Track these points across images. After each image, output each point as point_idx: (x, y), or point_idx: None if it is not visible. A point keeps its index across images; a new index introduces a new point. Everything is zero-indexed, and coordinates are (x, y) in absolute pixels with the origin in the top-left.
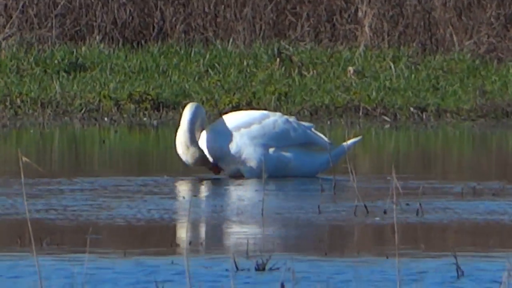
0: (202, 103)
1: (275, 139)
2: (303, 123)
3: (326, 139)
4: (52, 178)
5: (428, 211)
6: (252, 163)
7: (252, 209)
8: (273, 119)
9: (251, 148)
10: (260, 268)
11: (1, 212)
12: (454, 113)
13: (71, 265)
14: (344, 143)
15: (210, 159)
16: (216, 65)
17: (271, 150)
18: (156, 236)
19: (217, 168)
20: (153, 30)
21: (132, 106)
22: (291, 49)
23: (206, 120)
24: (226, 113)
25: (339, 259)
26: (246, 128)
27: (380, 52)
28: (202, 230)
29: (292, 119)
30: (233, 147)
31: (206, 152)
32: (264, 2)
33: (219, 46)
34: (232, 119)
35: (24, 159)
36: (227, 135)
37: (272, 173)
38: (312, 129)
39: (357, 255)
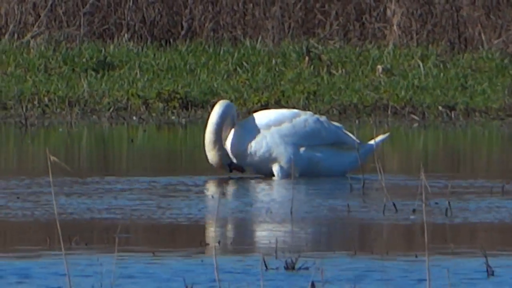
0: (231, 102)
1: (305, 138)
2: (334, 123)
3: (355, 138)
4: (80, 177)
5: (457, 210)
6: (282, 162)
7: (281, 208)
8: (304, 117)
9: (282, 147)
10: (289, 267)
11: (30, 211)
12: (482, 112)
13: (100, 264)
14: (372, 141)
15: (234, 160)
16: (245, 63)
17: (301, 149)
18: (185, 236)
19: (240, 168)
20: (182, 28)
21: (161, 105)
22: (320, 47)
23: (236, 118)
24: (255, 111)
25: (368, 258)
26: (276, 126)
27: (408, 51)
28: (231, 229)
29: (322, 118)
30: (263, 145)
31: (231, 150)
32: (293, 0)
33: (248, 45)
34: (262, 117)
35: (52, 158)
36: (257, 133)
37: (302, 172)
38: (342, 129)
39: (386, 254)
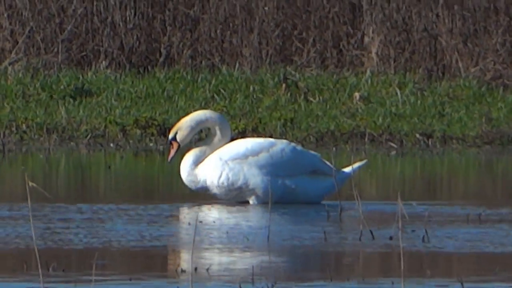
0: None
1: (283, 168)
2: (310, 151)
3: (332, 166)
4: (58, 203)
5: (434, 237)
6: (259, 191)
7: (258, 235)
8: (281, 147)
9: (259, 178)
10: None
11: (7, 237)
12: (460, 140)
13: None
14: (349, 168)
15: (205, 186)
16: (222, 90)
17: (278, 178)
18: (162, 262)
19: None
20: (160, 55)
21: (138, 132)
22: (297, 75)
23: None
24: (233, 138)
25: (344, 285)
26: (254, 156)
27: (386, 78)
28: (208, 256)
29: (298, 147)
30: (240, 177)
31: (207, 179)
32: (271, 28)
33: (225, 72)
34: (239, 147)
35: (31, 183)
36: (235, 164)
37: (279, 199)
38: (319, 157)
39: (362, 281)
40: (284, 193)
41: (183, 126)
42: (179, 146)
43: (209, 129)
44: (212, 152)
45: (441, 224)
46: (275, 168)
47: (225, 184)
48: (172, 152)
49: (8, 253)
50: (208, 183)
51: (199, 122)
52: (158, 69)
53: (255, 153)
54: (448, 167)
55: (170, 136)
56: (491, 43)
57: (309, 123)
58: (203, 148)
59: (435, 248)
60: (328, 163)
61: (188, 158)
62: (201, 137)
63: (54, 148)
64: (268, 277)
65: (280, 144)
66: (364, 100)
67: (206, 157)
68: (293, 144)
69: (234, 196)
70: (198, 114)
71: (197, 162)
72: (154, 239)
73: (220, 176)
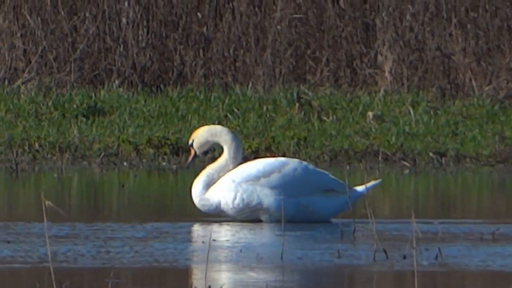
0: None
1: (295, 188)
2: (320, 170)
3: (345, 184)
4: (71, 222)
5: (447, 256)
6: (273, 211)
7: (271, 254)
8: (293, 166)
9: (272, 198)
10: None
11: (21, 255)
12: (473, 159)
13: None
14: (363, 186)
15: (218, 208)
16: (236, 109)
17: (291, 197)
18: (175, 281)
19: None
20: (173, 74)
21: (151, 151)
22: (310, 94)
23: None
24: (246, 158)
25: None
26: (266, 177)
27: (399, 97)
28: (222, 275)
29: (311, 166)
30: (254, 198)
31: (221, 201)
32: (284, 47)
33: (239, 91)
34: (251, 169)
35: (48, 202)
36: (247, 186)
37: (292, 218)
38: (330, 175)
39: None
40: (297, 212)
41: (199, 135)
42: (195, 153)
43: (221, 148)
44: (223, 174)
45: (455, 242)
46: (287, 188)
47: (240, 205)
48: (189, 158)
49: (22, 271)
50: (222, 205)
51: (214, 135)
52: (171, 88)
53: (267, 174)
54: (462, 186)
55: (189, 142)
56: (504, 61)
57: (322, 142)
58: (210, 171)
59: (448, 267)
60: (340, 181)
61: (198, 183)
62: (215, 156)
63: (67, 167)
64: None
65: (292, 164)
66: (377, 119)
67: (217, 180)
68: (305, 163)
69: (248, 216)
70: (215, 127)
71: (207, 186)
72: (168, 257)
73: (235, 198)
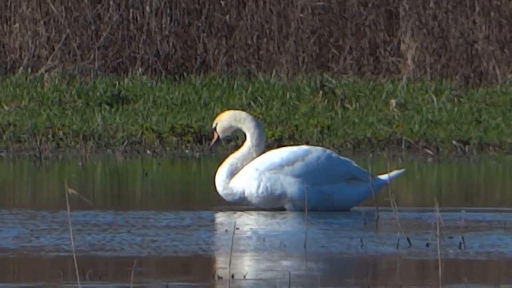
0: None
1: (319, 176)
2: (342, 157)
3: (368, 172)
4: (95, 210)
5: (471, 244)
6: (297, 199)
7: (295, 242)
8: (316, 155)
9: (296, 187)
10: None
11: (45, 244)
12: (496, 146)
13: None
14: (386, 175)
15: (242, 197)
16: (259, 97)
17: (315, 185)
18: (199, 269)
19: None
20: (196, 62)
21: (175, 139)
22: (334, 81)
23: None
24: (269, 146)
25: None
26: (289, 166)
27: (422, 85)
28: (245, 263)
29: (334, 154)
30: (278, 187)
31: (245, 190)
32: (307, 35)
33: (262, 79)
34: (274, 157)
35: (71, 191)
36: (271, 174)
37: (315, 207)
38: (353, 163)
39: None
40: (321, 200)
41: (223, 119)
42: (218, 137)
43: (244, 135)
44: (246, 162)
45: (478, 231)
46: (311, 176)
47: (265, 194)
48: (212, 141)
49: (45, 260)
50: (246, 194)
51: (237, 120)
52: (194, 76)
53: (290, 162)
54: (485, 174)
55: (213, 125)
56: None
57: (345, 130)
58: (234, 160)
59: (472, 255)
60: (363, 169)
61: (222, 172)
62: (238, 144)
63: (90, 155)
64: (305, 284)
65: (315, 152)
66: (400, 107)
67: (240, 169)
68: (328, 151)
69: (271, 204)
70: (240, 113)
71: (231, 175)
72: (191, 246)
73: (259, 187)
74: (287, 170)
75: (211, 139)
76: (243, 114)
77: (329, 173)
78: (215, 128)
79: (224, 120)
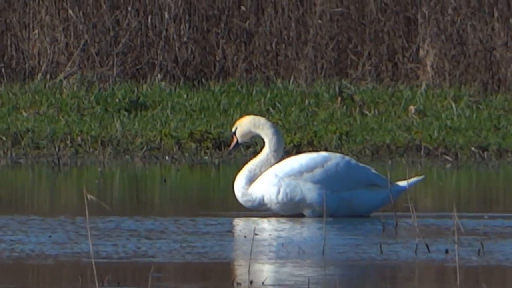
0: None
1: (338, 182)
2: (362, 164)
3: (386, 178)
4: (113, 216)
5: (489, 250)
6: (316, 205)
7: (313, 248)
8: (335, 162)
9: (315, 193)
10: None
11: (64, 250)
12: None
13: None
14: (405, 182)
15: (261, 204)
16: (277, 104)
17: (334, 192)
18: (217, 275)
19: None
20: (215, 68)
21: (193, 145)
22: (352, 88)
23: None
24: (288, 152)
25: None
26: (309, 172)
27: (441, 91)
28: (264, 269)
29: (353, 161)
30: (297, 193)
31: (264, 196)
32: (326, 41)
33: (280, 85)
34: (293, 164)
35: (90, 196)
36: (291, 181)
37: (334, 213)
38: (372, 170)
39: None
40: (340, 206)
41: (243, 123)
42: (237, 141)
43: (263, 141)
44: (265, 169)
45: (497, 237)
46: (330, 183)
47: (284, 200)
48: (232, 145)
49: (64, 266)
50: (266, 200)
51: (256, 126)
52: (212, 82)
53: (310, 168)
54: (504, 180)
55: (232, 130)
56: None
57: (364, 136)
58: (252, 166)
59: (491, 261)
60: (382, 175)
61: (240, 179)
62: (256, 150)
63: (109, 161)
64: None
65: (335, 159)
66: (419, 113)
67: (259, 175)
68: (347, 158)
69: (291, 211)
70: (259, 119)
71: (249, 181)
72: (209, 252)
73: (278, 193)
74: (307, 177)
75: (230, 143)
76: (262, 120)
77: (348, 180)
78: (234, 133)
79: (244, 125)
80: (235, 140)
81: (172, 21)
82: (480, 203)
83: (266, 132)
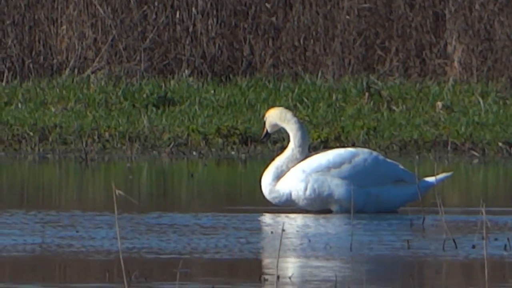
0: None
1: (366, 178)
2: (390, 160)
3: (414, 174)
4: (141, 212)
5: None
6: (344, 201)
7: (340, 244)
8: (363, 157)
9: (343, 189)
10: None
11: (91, 245)
12: None
13: None
14: (433, 178)
15: (288, 199)
16: (305, 99)
17: (362, 188)
18: (245, 270)
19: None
20: (242, 64)
21: (220, 140)
22: (380, 83)
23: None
24: (315, 148)
25: None
26: (336, 168)
27: (468, 87)
28: (291, 264)
29: (381, 156)
30: (325, 189)
31: (292, 192)
32: (353, 37)
33: (308, 80)
34: (321, 160)
35: (118, 192)
36: (318, 177)
37: (362, 209)
38: (400, 166)
39: None
40: (367, 202)
41: (271, 114)
42: (267, 130)
43: (289, 136)
44: (292, 165)
45: None
46: (358, 179)
47: (312, 196)
48: (263, 133)
49: (92, 261)
50: (294, 196)
51: (282, 120)
52: (240, 77)
53: (337, 165)
54: None
55: (264, 118)
56: None
57: (392, 132)
58: (279, 163)
59: None
60: (409, 171)
61: (268, 176)
62: (284, 145)
63: (136, 156)
64: (351, 286)
65: (362, 155)
66: (446, 109)
67: (286, 171)
68: (375, 153)
69: (318, 206)
70: (286, 113)
71: (277, 178)
72: (237, 247)
73: (306, 189)
74: (334, 172)
75: (260, 134)
76: (288, 114)
77: (375, 175)
78: (265, 122)
79: (271, 117)
80: (265, 130)
81: (200, 17)
82: (507, 198)
83: (291, 127)
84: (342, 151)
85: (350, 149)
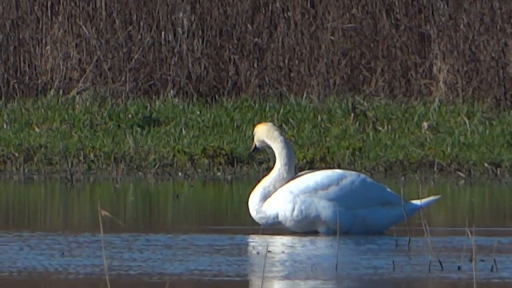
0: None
1: (353, 200)
2: (377, 183)
3: (400, 196)
4: (126, 233)
5: (502, 267)
6: (331, 223)
7: (326, 265)
8: (351, 180)
9: (330, 210)
10: None
11: (78, 266)
12: None
13: None
14: (419, 201)
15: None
16: (290, 119)
17: (349, 210)
18: None
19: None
20: (227, 84)
21: (206, 161)
22: (365, 104)
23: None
24: (301, 168)
25: None
26: (324, 190)
27: (454, 108)
28: (276, 285)
29: (369, 179)
30: (312, 211)
31: (278, 213)
32: (338, 57)
33: (293, 101)
34: (308, 181)
35: (104, 212)
36: (305, 198)
37: (348, 230)
38: (387, 189)
39: None
40: (354, 224)
41: (259, 130)
42: (255, 145)
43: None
44: (279, 185)
45: (510, 254)
46: (345, 201)
47: (299, 217)
48: (251, 148)
49: (78, 282)
50: (280, 217)
51: (269, 137)
52: (225, 98)
53: (325, 186)
54: None
55: (253, 133)
56: None
57: (377, 153)
58: (266, 183)
59: (504, 278)
60: (396, 194)
61: (255, 196)
62: (269, 166)
63: (122, 177)
64: None
65: (350, 177)
66: (432, 130)
67: (273, 192)
68: (362, 176)
69: (305, 228)
70: (274, 130)
71: (264, 198)
72: (223, 269)
73: (293, 210)
74: (321, 194)
75: (248, 149)
76: (275, 132)
77: (363, 198)
78: (253, 137)
79: (259, 132)
80: (253, 144)
81: (185, 37)
82: (493, 219)
83: (276, 146)
84: (330, 173)
85: (338, 171)
